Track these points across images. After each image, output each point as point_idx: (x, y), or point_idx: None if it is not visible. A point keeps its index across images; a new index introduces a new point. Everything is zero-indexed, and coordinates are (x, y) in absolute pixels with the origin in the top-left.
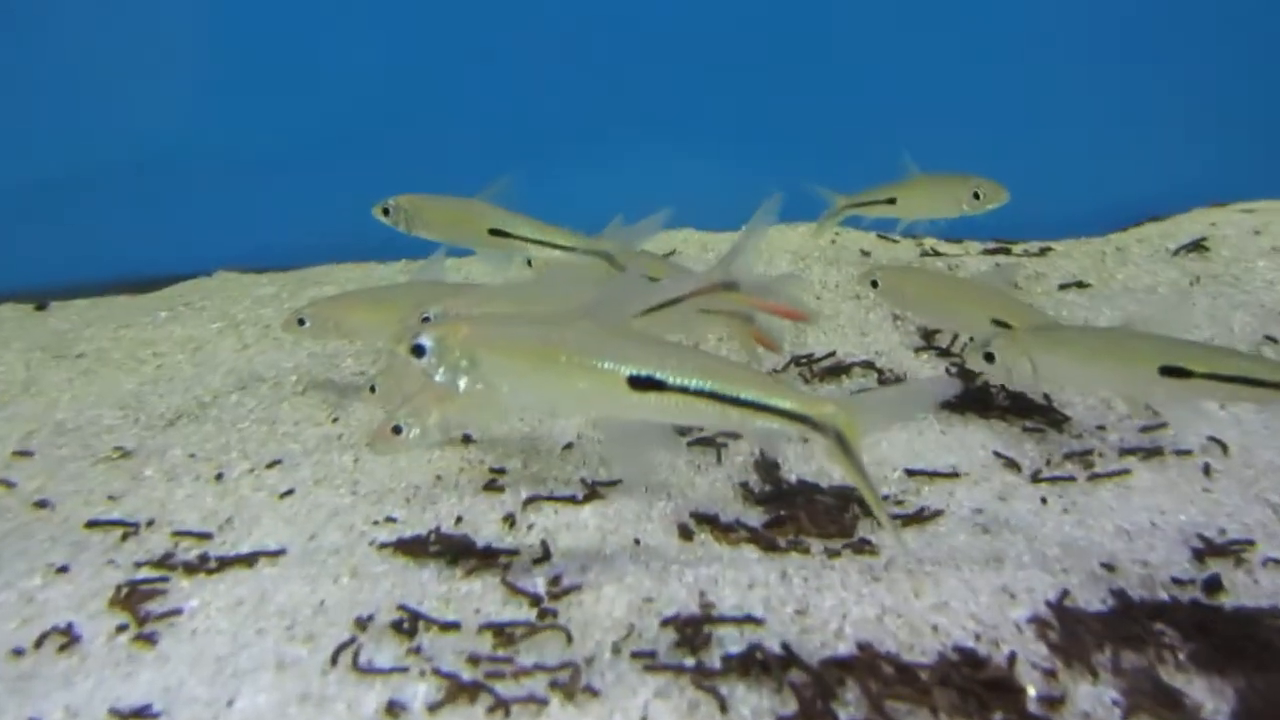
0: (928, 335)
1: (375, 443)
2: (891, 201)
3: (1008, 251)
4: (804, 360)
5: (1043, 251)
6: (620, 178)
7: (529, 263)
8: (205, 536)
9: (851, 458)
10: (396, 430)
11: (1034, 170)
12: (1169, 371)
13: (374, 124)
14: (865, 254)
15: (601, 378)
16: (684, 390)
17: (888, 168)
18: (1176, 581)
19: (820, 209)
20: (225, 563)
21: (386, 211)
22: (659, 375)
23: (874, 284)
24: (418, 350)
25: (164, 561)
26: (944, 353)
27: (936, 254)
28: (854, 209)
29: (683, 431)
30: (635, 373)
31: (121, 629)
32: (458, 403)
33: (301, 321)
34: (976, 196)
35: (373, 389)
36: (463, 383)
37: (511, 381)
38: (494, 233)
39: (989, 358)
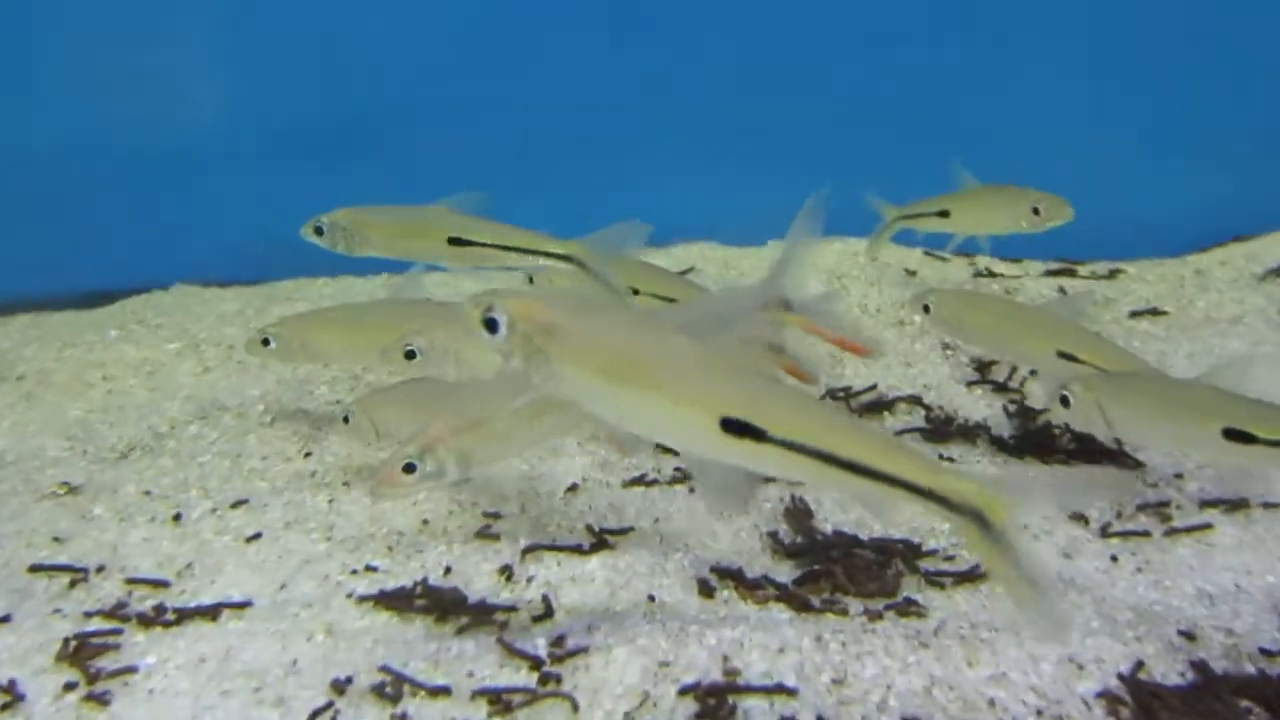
0: (982, 367)
1: (382, 486)
2: (944, 214)
3: (1073, 273)
4: (841, 394)
5: (1112, 274)
6: (635, 186)
7: (530, 279)
8: (162, 585)
9: (997, 549)
10: (409, 469)
11: (1102, 182)
12: (1232, 435)
13: (357, 121)
14: (910, 274)
15: (689, 412)
16: (788, 446)
17: (938, 177)
18: (1265, 652)
19: (863, 222)
20: (185, 615)
21: (320, 231)
22: (759, 423)
23: (925, 309)
24: (490, 325)
25: (116, 612)
26: (1000, 387)
27: (992, 274)
28: (905, 222)
29: None
30: (730, 415)
31: (70, 687)
32: (480, 433)
33: (266, 342)
34: (1036, 212)
35: (347, 419)
36: (532, 377)
37: (581, 390)
38: (454, 242)
39: (1065, 402)
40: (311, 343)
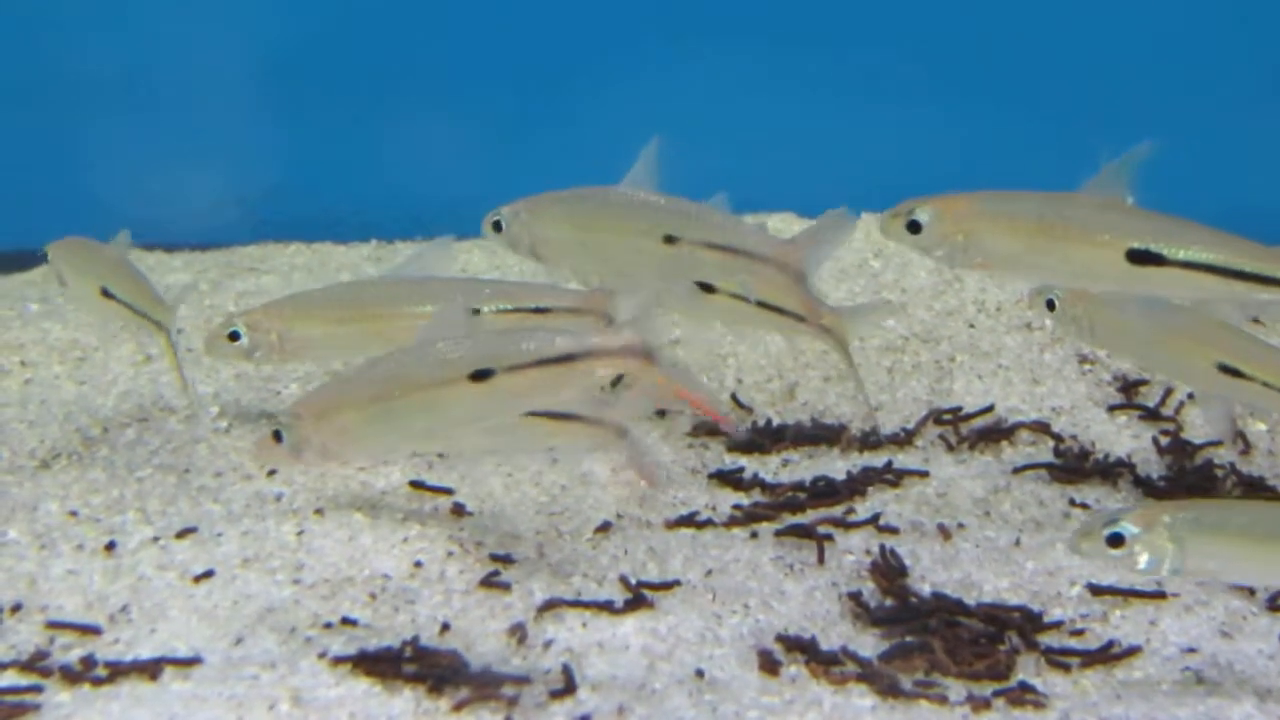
0: (1129, 387)
1: (256, 454)
2: None
3: None
4: (948, 416)
5: None
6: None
7: None
8: (91, 631)
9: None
10: (277, 436)
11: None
12: None
13: (338, 48)
14: None
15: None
16: None
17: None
18: None
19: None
20: (119, 671)
21: None
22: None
23: (1050, 305)
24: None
25: (34, 664)
26: (1151, 414)
27: None
28: None
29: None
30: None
31: None
32: (352, 413)
33: (235, 336)
34: None
35: None
36: None
37: None
38: None
39: None
40: (294, 335)
